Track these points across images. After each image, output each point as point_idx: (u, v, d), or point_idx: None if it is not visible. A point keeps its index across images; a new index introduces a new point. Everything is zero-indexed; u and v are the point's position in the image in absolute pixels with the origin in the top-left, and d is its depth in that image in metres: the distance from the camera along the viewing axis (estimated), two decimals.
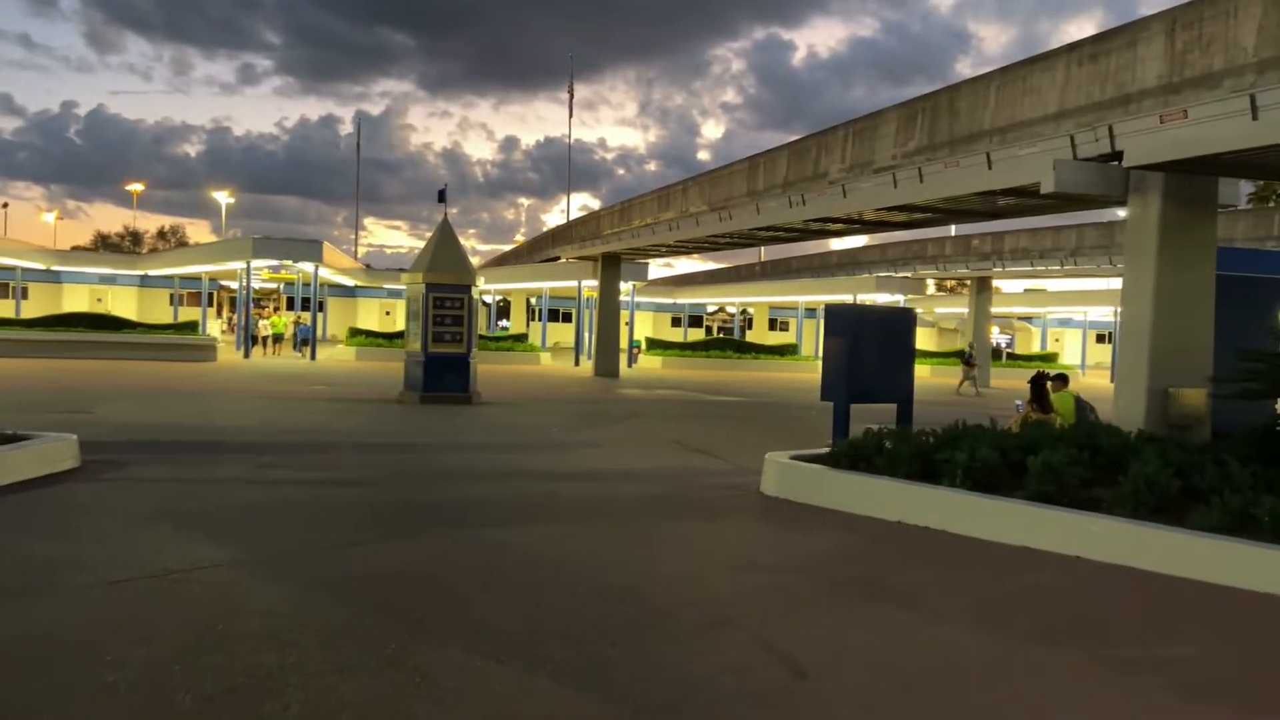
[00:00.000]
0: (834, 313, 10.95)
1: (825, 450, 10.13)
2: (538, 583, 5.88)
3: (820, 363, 12.93)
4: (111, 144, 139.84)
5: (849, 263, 48.50)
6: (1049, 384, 11.96)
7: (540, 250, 47.78)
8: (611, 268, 35.05)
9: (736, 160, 22.68)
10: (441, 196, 20.70)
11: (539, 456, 11.90)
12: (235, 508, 7.87)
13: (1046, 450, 7.89)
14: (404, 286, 20.37)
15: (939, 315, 61.18)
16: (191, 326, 37.56)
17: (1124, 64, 10.79)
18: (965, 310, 59.95)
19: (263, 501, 8.22)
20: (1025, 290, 55.95)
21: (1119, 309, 11.41)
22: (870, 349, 10.87)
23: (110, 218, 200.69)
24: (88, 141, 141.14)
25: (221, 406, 16.94)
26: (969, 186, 13.42)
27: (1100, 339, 64.59)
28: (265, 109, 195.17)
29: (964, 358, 35.50)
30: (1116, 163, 10.93)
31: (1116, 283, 51.96)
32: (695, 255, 35.47)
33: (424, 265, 19.88)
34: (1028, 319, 61.28)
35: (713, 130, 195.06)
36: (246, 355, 34.19)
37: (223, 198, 63.59)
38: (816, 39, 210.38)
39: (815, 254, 55.26)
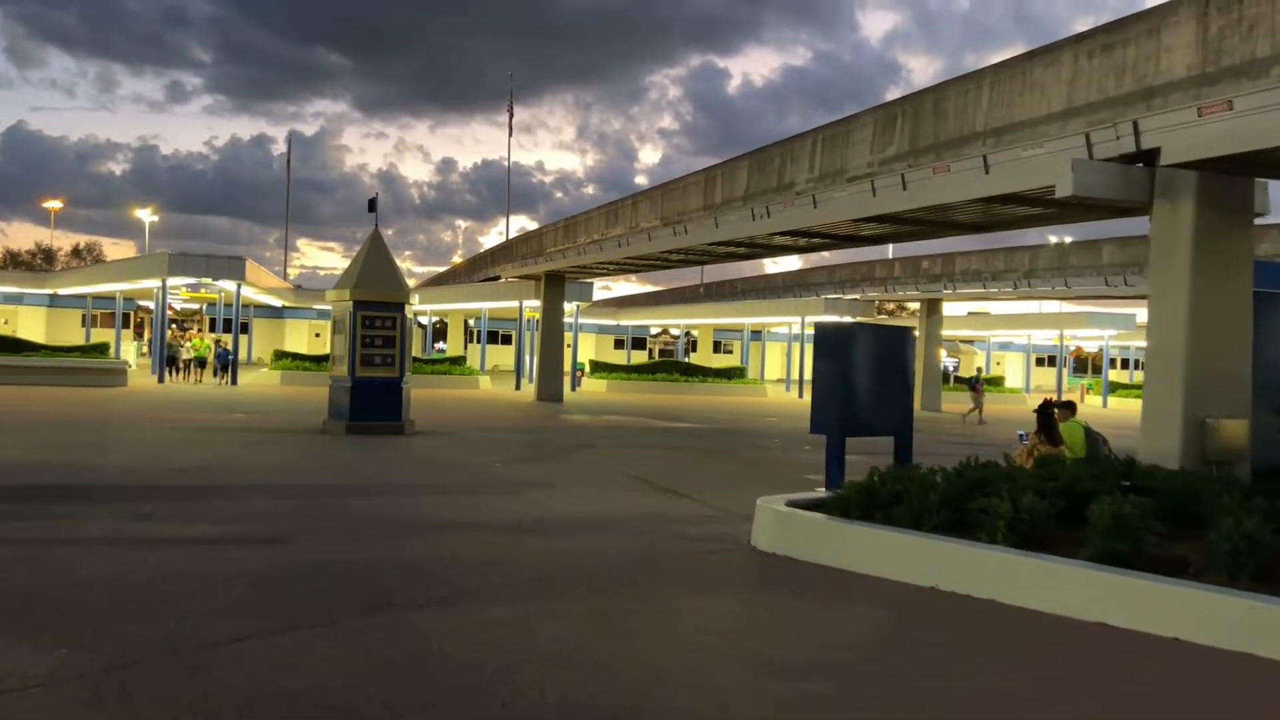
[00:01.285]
0: (825, 333, 9.52)
1: (822, 493, 8.66)
2: (491, 705, 4.22)
3: (808, 388, 11.45)
4: (32, 161, 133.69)
5: (795, 284, 47.64)
6: (1055, 412, 10.71)
7: (479, 270, 45.93)
8: (555, 287, 33.43)
9: (691, 172, 21.34)
10: (372, 206, 18.89)
11: (483, 501, 10.18)
12: (86, 583, 6.03)
13: (1108, 498, 6.49)
14: (334, 306, 18.48)
15: None
16: (100, 349, 34.78)
17: (1146, 54, 9.62)
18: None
19: (128, 573, 6.38)
20: (969, 313, 55.83)
21: (1148, 329, 10.06)
22: (867, 373, 9.45)
23: (28, 237, 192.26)
24: (6, 158, 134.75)
25: (116, 439, 14.82)
26: (963, 193, 12.17)
27: (1040, 362, 64.97)
28: (195, 127, 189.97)
29: (971, 384, 34.47)
30: (1141, 164, 9.74)
31: (1057, 306, 52.36)
32: (643, 275, 34.05)
33: (352, 280, 18.01)
34: (970, 342, 61.27)
35: (650, 155, 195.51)
36: (160, 380, 31.61)
37: (146, 215, 60.10)
38: (751, 67, 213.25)
39: (760, 276, 54.47)
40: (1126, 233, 26.73)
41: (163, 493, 9.79)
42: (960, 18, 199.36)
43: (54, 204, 70.92)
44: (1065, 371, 56.56)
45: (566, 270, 31.75)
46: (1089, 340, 52.60)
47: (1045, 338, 53.95)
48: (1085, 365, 74.01)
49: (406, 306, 18.25)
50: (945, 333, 53.49)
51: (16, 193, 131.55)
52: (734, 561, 7.53)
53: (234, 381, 31.06)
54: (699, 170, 20.82)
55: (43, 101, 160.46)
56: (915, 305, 63.86)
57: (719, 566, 7.39)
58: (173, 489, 10.05)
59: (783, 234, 17.63)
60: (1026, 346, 57.92)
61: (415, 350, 57.63)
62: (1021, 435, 11.87)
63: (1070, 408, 10.93)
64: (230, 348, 33.42)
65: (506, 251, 38.71)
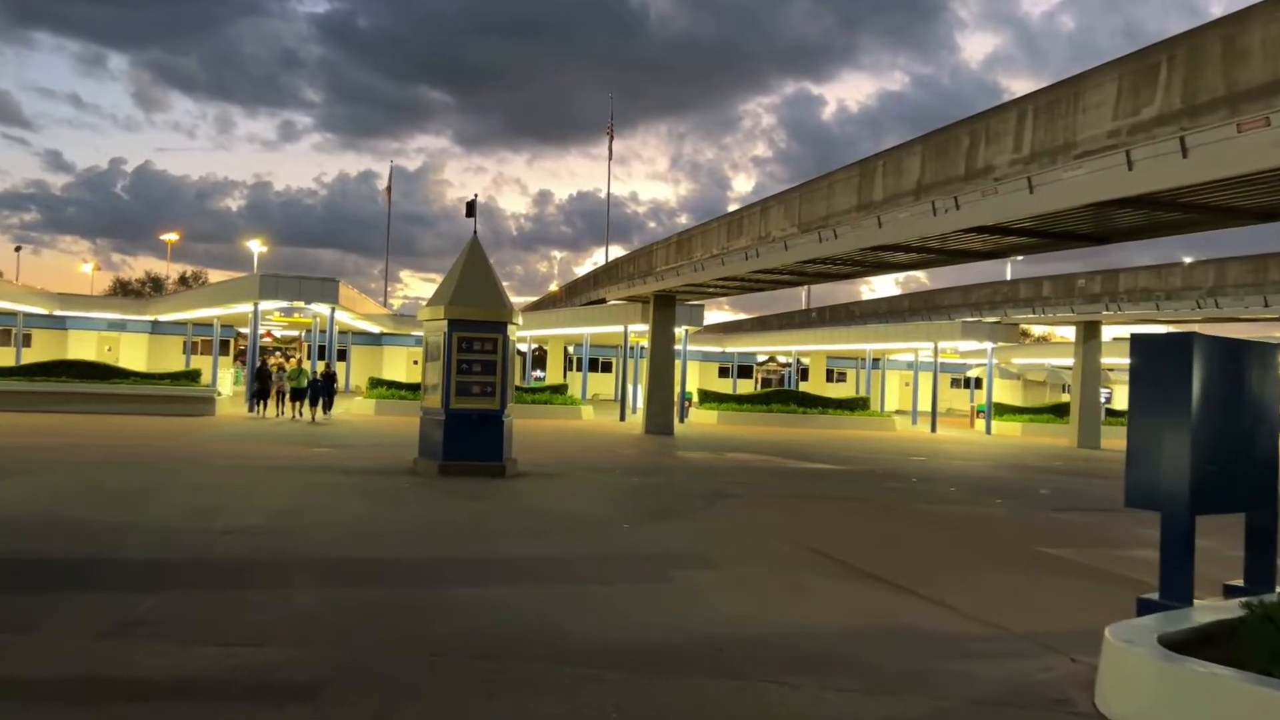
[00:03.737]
0: (1155, 348, 6.14)
1: (1204, 612, 5.32)
2: None
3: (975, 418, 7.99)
4: (156, 199, 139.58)
5: (923, 307, 43.58)
6: None
7: (580, 293, 43.41)
8: (665, 309, 30.48)
9: (838, 168, 18.09)
10: (470, 210, 16.21)
11: (624, 598, 7.07)
12: None
13: None
14: (426, 326, 15.85)
15: (1021, 366, 55.84)
16: (191, 376, 33.32)
17: None
18: (1049, 361, 54.74)
19: None
20: (1114, 339, 50.62)
21: None
22: (1226, 413, 6.06)
23: (148, 270, 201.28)
24: (133, 197, 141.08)
25: (166, 482, 12.35)
26: None
27: None
28: (305, 165, 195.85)
29: None
30: None
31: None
32: (736, 302, 30.76)
33: (446, 296, 15.33)
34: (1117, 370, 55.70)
35: (743, 184, 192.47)
36: (251, 409, 29.69)
37: (255, 245, 59.93)
38: (846, 93, 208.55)
39: (881, 299, 50.46)
40: None
41: (183, 573, 7.03)
42: (1065, 37, 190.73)
43: (170, 236, 72.01)
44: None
45: (679, 290, 28.77)
46: None
47: None
48: None
49: (510, 327, 15.45)
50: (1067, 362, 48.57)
51: (143, 230, 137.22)
52: None
53: (327, 410, 28.66)
54: (848, 165, 17.56)
55: (166, 143, 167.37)
56: (1053, 330, 58.64)
57: None
58: (200, 567, 7.28)
59: (975, 231, 14.23)
60: None
61: (515, 379, 55.70)
62: None
63: None
64: (332, 372, 30.45)
65: (611, 272, 36.00)
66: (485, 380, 14.92)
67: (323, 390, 28.64)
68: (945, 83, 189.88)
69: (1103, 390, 52.94)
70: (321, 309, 33.62)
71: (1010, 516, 12.99)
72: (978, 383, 60.47)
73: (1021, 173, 12.30)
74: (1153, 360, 6.17)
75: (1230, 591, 6.59)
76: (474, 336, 15.03)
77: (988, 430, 39.23)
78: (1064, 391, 58.88)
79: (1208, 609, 5.52)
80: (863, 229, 16.08)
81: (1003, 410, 42.26)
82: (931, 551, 9.73)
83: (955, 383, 58.45)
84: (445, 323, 14.95)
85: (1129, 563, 9.14)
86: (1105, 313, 33.26)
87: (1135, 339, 6.28)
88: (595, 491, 13.69)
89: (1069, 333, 53.85)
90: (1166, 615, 5.25)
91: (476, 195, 16.04)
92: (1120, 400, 52.96)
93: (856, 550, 9.30)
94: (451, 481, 13.69)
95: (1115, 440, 34.97)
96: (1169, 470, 5.97)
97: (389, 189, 76.38)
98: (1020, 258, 56.81)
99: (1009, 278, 47.76)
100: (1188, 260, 29.76)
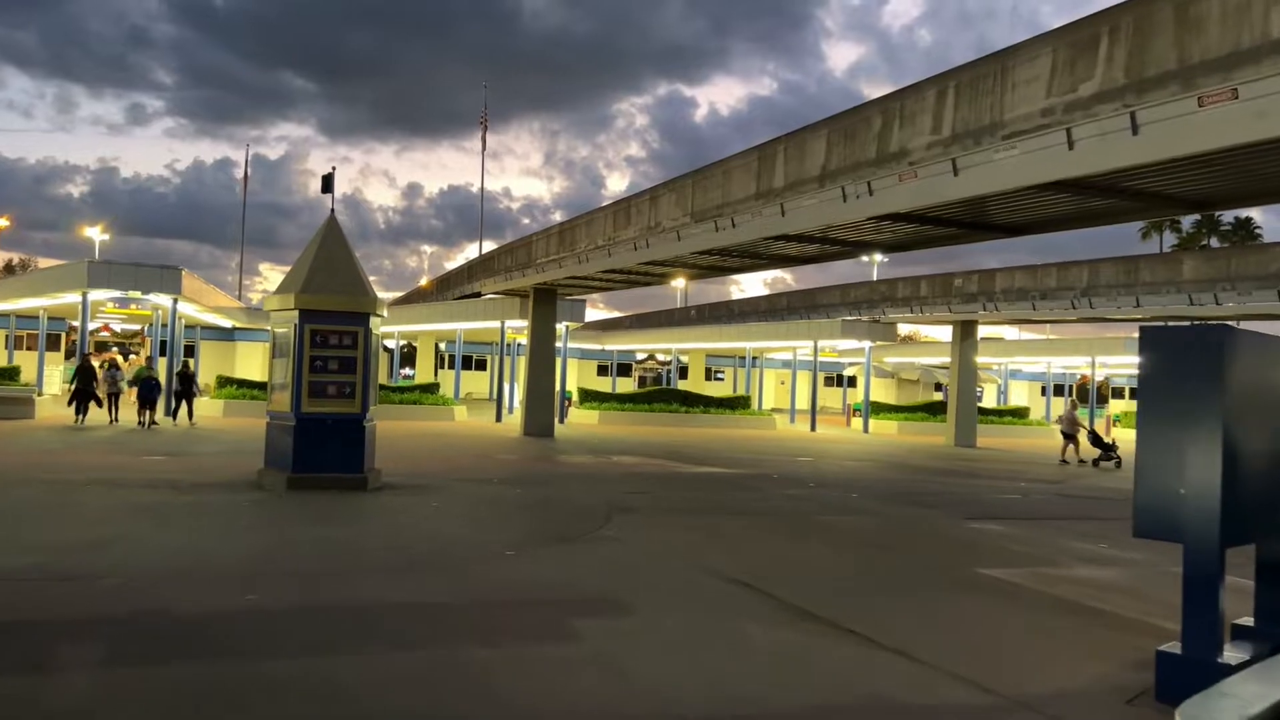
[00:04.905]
0: (1177, 345, 5.01)
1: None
2: None
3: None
4: None
5: (803, 306, 43.38)
6: None
7: (453, 287, 41.18)
8: (545, 304, 28.83)
9: (733, 154, 16.93)
10: (327, 184, 14.16)
11: (507, 664, 5.49)
12: None
13: None
14: (273, 317, 13.72)
15: (895, 365, 56.73)
16: (10, 374, 29.50)
17: None
18: (921, 360, 55.79)
19: None
20: (981, 339, 51.94)
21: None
22: (1256, 423, 4.99)
23: None
24: None
25: None
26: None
27: (1043, 391, 61.29)
28: (155, 150, 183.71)
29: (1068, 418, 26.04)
30: None
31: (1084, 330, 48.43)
32: (657, 284, 29.44)
33: (297, 283, 13.30)
34: (987, 369, 57.43)
35: (617, 183, 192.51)
36: (77, 412, 26.13)
37: (95, 234, 54.47)
38: (717, 96, 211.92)
39: (761, 297, 50.17)
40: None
41: None
42: (923, 50, 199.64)
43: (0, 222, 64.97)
44: (1114, 400, 53.10)
45: (561, 283, 27.19)
46: (1123, 368, 48.90)
47: (1068, 363, 50.20)
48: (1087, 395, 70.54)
49: (373, 319, 13.55)
50: (942, 361, 49.65)
51: None
52: None
53: (190, 414, 25.30)
54: (745, 150, 16.41)
55: None
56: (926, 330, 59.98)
57: None
58: None
59: (890, 220, 13.25)
60: (1046, 375, 54.10)
61: (381, 377, 52.70)
62: None
63: None
64: (188, 372, 26.95)
65: (487, 265, 34.03)
66: (343, 380, 12.98)
67: (183, 392, 25.50)
68: (812, 89, 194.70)
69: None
70: (162, 300, 30.35)
71: (928, 528, 12.04)
72: (851, 381, 61.24)
73: (942, 155, 11.34)
74: (1176, 359, 5.04)
75: (1239, 633, 5.57)
76: (330, 329, 13.07)
77: (865, 429, 39.26)
78: (936, 390, 60.34)
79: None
80: (764, 218, 14.92)
81: (879, 409, 42.49)
82: (868, 578, 8.54)
83: (829, 381, 59.00)
84: (296, 313, 12.94)
85: (1080, 587, 8.20)
86: (982, 312, 33.56)
87: (1148, 333, 5.15)
88: (472, 507, 11.99)
89: (934, 331, 55.21)
90: (1236, 689, 4.09)
91: (334, 168, 14.00)
92: (990, 398, 54.58)
93: (787, 580, 8.00)
94: (302, 498, 11.73)
95: (987, 438, 35.50)
96: (1195, 493, 4.86)
97: (246, 177, 71.64)
98: (885, 258, 57.80)
99: (875, 278, 48.35)
100: (1060, 262, 30.18)
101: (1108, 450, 23.75)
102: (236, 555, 8.25)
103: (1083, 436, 25.08)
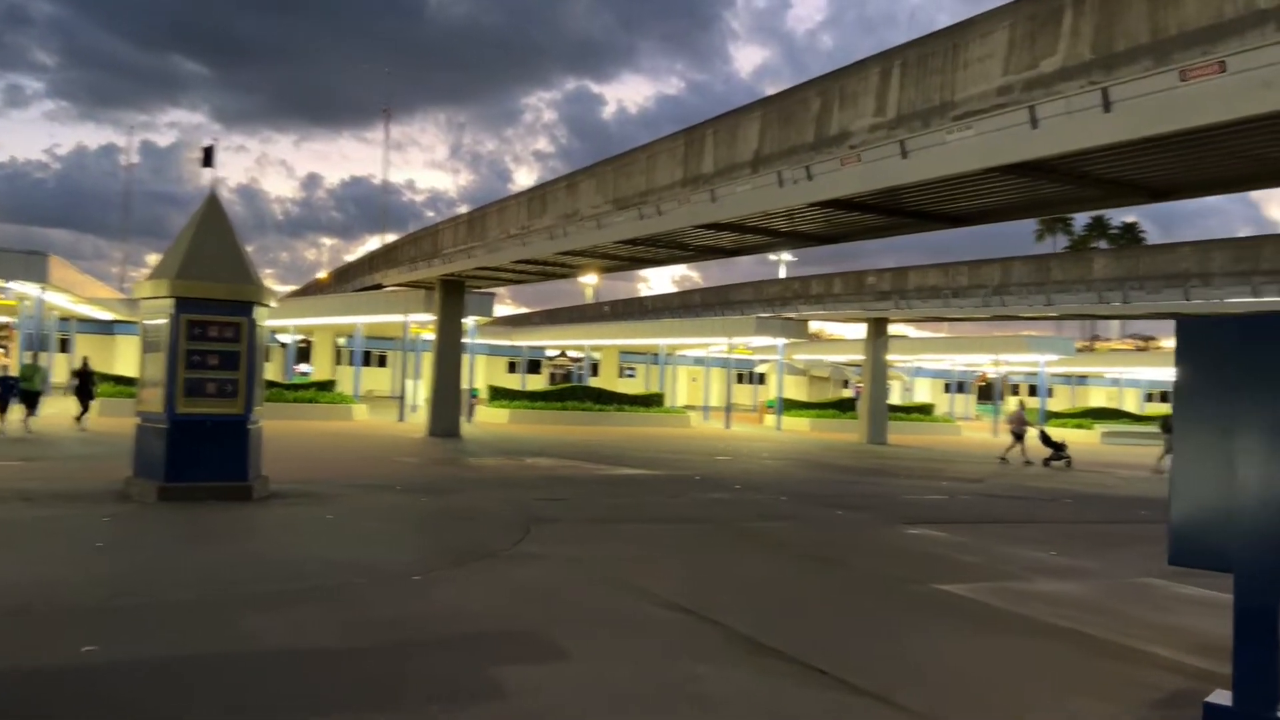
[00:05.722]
0: (1216, 338, 4.22)
1: None
2: None
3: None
4: None
5: (717, 302, 42.87)
6: None
7: (353, 279, 39.17)
8: (453, 297, 27.41)
9: (658, 139, 16.01)
10: (208, 158, 12.65)
11: None
12: None
13: None
14: (144, 306, 12.11)
15: (806, 362, 56.87)
16: None
17: None
18: (831, 357, 56.04)
19: None
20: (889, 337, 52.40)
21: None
22: None
23: None
24: None
25: None
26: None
27: (947, 388, 62.50)
28: (34, 134, 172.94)
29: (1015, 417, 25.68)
30: None
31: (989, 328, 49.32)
32: (575, 275, 28.37)
33: (173, 268, 11.76)
34: (893, 366, 58.19)
35: (525, 177, 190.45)
36: None
37: None
38: (625, 94, 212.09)
39: (674, 294, 49.57)
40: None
41: None
42: (825, 54, 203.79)
43: None
44: (1011, 397, 53.95)
45: (470, 274, 25.82)
46: (1023, 366, 49.97)
47: (973, 360, 51.06)
48: (989, 392, 72.43)
49: (259, 309, 12.09)
50: (853, 357, 49.88)
51: None
52: None
53: (78, 417, 22.66)
54: (670, 134, 15.50)
55: None
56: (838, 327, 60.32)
57: None
58: None
59: (830, 207, 12.47)
60: (950, 372, 55.04)
61: (274, 374, 49.91)
62: None
63: None
64: (86, 370, 23.73)
65: (390, 255, 32.31)
66: (224, 376, 11.51)
67: (81, 390, 22.96)
68: (719, 89, 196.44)
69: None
70: (27, 289, 27.76)
71: (867, 535, 11.33)
72: (761, 378, 61.24)
73: (887, 138, 10.62)
74: (1227, 355, 4.25)
75: None
76: (210, 320, 11.58)
77: (778, 426, 38.99)
78: (845, 387, 60.85)
79: None
80: (694, 205, 14.02)
81: (791, 406, 42.33)
82: (819, 598, 7.69)
83: (740, 378, 58.86)
84: (171, 302, 11.42)
85: (1051, 606, 7.52)
86: (895, 310, 33.56)
87: (1189, 326, 4.37)
88: (372, 520, 10.71)
89: (842, 329, 55.52)
90: None
91: (215, 140, 12.62)
92: (895, 396, 55.15)
93: (732, 603, 7.07)
94: (175, 511, 10.27)
95: (896, 435, 35.55)
96: (1253, 515, 4.09)
97: (131, 164, 67.51)
98: (794, 258, 57.90)
99: (783, 276, 48.33)
100: (972, 260, 30.30)
101: (1058, 450, 23.71)
102: (85, 587, 6.85)
103: (1031, 436, 24.92)
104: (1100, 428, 43.22)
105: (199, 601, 6.50)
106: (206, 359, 11.50)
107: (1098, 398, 63.37)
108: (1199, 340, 4.34)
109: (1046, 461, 23.63)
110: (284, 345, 47.07)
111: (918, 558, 9.68)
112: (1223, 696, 4.19)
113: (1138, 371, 56.17)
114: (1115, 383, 62.41)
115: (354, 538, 9.45)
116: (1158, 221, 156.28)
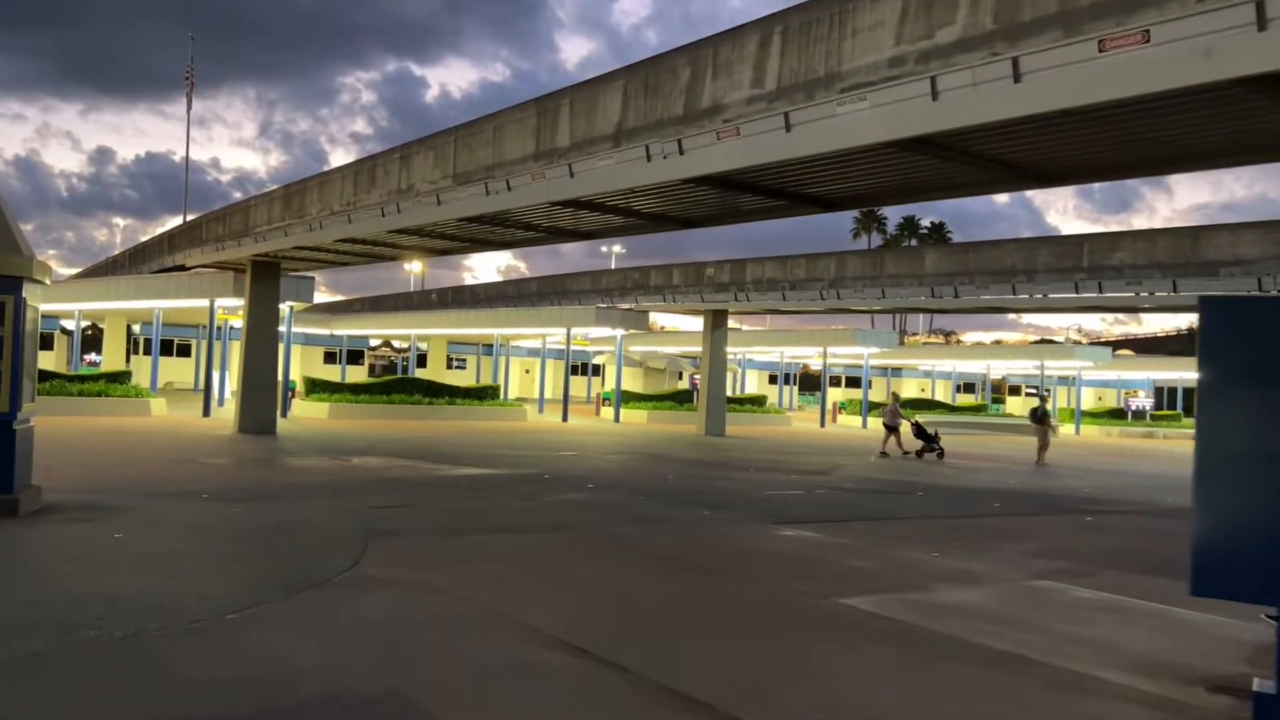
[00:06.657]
0: (1257, 320, 3.60)
1: None
2: None
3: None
4: None
5: (553, 291, 41.74)
6: None
7: (150, 259, 35.34)
8: (266, 280, 24.90)
9: (506, 108, 14.71)
10: None
11: None
12: None
13: None
14: None
15: (643, 354, 56.58)
16: None
17: None
18: (668, 349, 56.02)
19: None
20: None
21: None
22: None
23: None
24: None
25: None
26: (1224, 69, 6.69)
27: (772, 380, 64.14)
28: None
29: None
30: None
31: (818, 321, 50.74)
32: (410, 258, 26.46)
33: None
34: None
35: (342, 159, 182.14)
36: None
37: None
38: (449, 78, 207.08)
39: (509, 282, 47.99)
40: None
41: None
42: (650, 49, 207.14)
43: None
44: (832, 389, 55.57)
45: (287, 255, 23.47)
46: (849, 359, 51.54)
47: (806, 353, 52.32)
48: (811, 383, 74.96)
49: (28, 285, 9.96)
50: (687, 350, 50.13)
51: None
52: None
53: None
54: (521, 104, 14.26)
55: None
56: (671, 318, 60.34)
57: None
58: None
59: (707, 185, 11.57)
60: (779, 364, 56.23)
61: (57, 364, 44.61)
62: None
63: None
64: None
65: (193, 233, 29.13)
66: None
67: None
68: (544, 79, 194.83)
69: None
70: None
71: (742, 539, 10.57)
72: (597, 370, 60.59)
73: (767, 110, 9.84)
74: (1256, 341, 3.57)
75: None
76: None
77: (616, 418, 38.32)
78: (680, 379, 61.12)
79: None
80: (549, 180, 12.82)
81: (628, 398, 41.78)
82: (716, 621, 6.76)
83: (576, 370, 58.00)
84: None
85: (964, 620, 6.94)
86: (734, 302, 33.54)
87: (1217, 305, 3.66)
88: (173, 539, 8.92)
89: (677, 320, 55.72)
90: None
91: None
92: (728, 387, 55.81)
93: (627, 637, 6.03)
94: None
95: (733, 427, 35.64)
96: None
97: None
98: (623, 249, 57.53)
99: (613, 266, 47.83)
100: (809, 254, 30.61)
101: (930, 441, 24.03)
102: None
103: (905, 429, 25.10)
104: (918, 417, 45.09)
105: None
106: None
107: (910, 389, 66.64)
108: (1240, 321, 3.64)
109: (919, 453, 24.01)
110: (68, 332, 42.12)
111: (802, 564, 8.98)
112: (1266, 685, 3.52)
113: (947, 364, 59.40)
114: (928, 374, 65.82)
115: (150, 563, 7.71)
116: (954, 223, 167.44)
